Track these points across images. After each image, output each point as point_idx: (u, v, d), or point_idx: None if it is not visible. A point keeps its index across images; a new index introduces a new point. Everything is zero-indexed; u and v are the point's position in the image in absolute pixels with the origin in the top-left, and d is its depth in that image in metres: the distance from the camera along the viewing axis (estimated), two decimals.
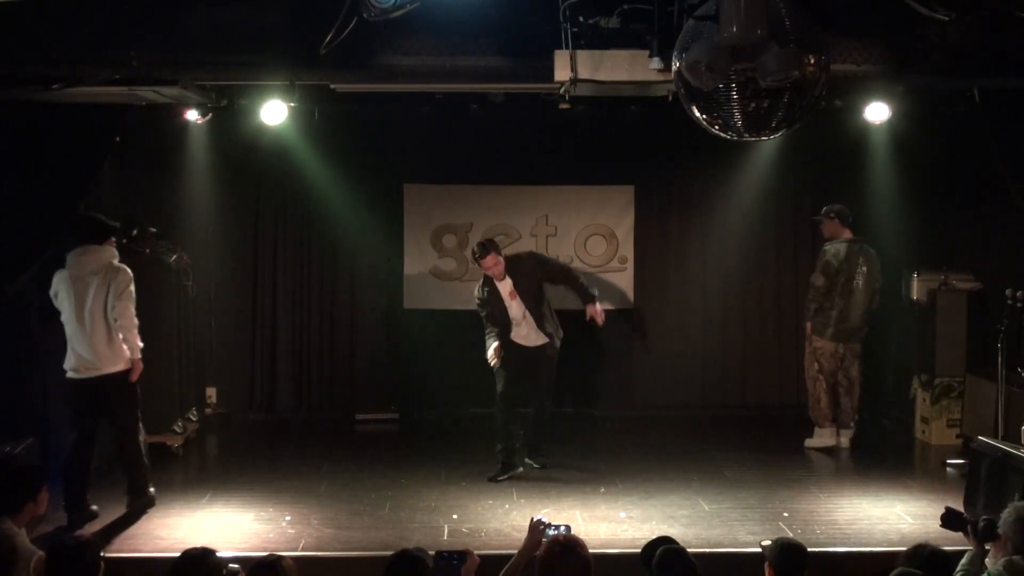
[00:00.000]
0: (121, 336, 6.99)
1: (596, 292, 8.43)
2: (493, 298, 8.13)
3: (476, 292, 8.27)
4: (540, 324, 8.19)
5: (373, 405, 10.29)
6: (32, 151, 6.83)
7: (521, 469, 8.18)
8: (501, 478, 8.02)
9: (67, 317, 6.98)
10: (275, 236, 10.52)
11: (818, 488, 7.81)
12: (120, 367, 7.02)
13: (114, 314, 6.93)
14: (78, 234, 7.04)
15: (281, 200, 10.48)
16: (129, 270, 7.07)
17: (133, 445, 7.16)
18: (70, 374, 7.03)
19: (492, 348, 8.01)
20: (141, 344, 7.09)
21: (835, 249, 8.96)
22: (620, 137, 9.98)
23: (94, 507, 7.05)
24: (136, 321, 7.05)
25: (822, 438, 9.07)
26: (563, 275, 8.45)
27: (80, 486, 6.97)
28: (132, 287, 7.02)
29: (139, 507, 7.12)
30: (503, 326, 8.12)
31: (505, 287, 8.12)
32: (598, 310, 8.25)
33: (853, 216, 9.16)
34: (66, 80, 6.38)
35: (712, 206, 10.60)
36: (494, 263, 8.04)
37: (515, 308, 8.13)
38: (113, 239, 7.19)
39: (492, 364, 8.04)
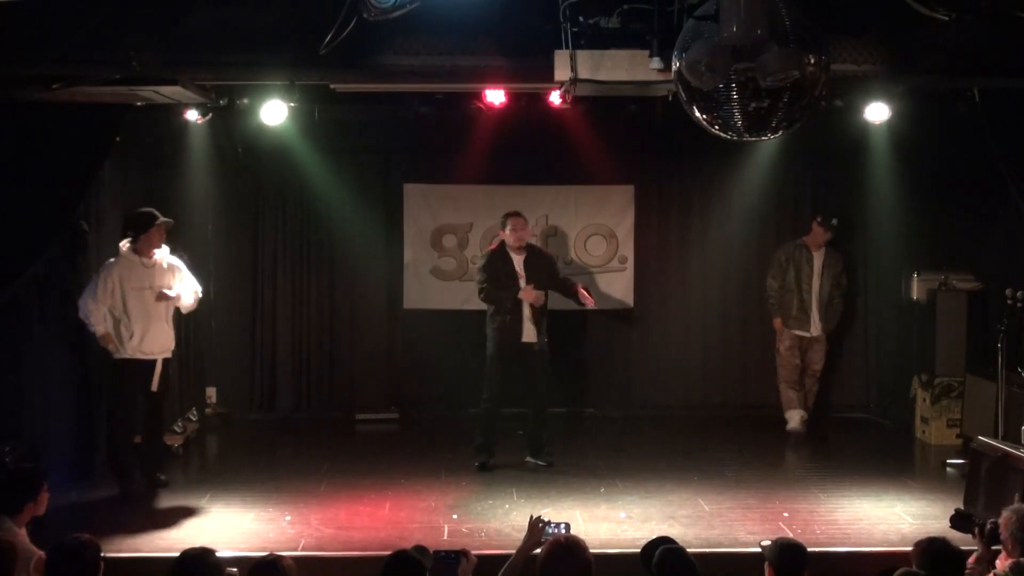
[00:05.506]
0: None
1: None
2: (502, 267, 8.25)
3: (480, 263, 8.46)
4: (541, 319, 8.30)
5: (373, 405, 10.29)
6: (32, 151, 6.83)
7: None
8: (489, 463, 8.27)
9: None
10: (275, 236, 10.52)
11: (818, 488, 7.81)
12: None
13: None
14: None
15: (281, 200, 10.49)
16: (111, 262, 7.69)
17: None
18: None
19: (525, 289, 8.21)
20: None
21: None
22: (620, 137, 9.97)
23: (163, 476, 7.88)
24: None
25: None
26: (563, 283, 8.65)
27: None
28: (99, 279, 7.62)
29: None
30: (510, 307, 8.21)
31: (519, 260, 8.28)
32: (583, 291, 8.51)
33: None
34: (66, 80, 6.37)
35: (712, 206, 10.60)
36: (522, 225, 8.32)
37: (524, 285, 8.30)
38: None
39: (531, 299, 8.21)
